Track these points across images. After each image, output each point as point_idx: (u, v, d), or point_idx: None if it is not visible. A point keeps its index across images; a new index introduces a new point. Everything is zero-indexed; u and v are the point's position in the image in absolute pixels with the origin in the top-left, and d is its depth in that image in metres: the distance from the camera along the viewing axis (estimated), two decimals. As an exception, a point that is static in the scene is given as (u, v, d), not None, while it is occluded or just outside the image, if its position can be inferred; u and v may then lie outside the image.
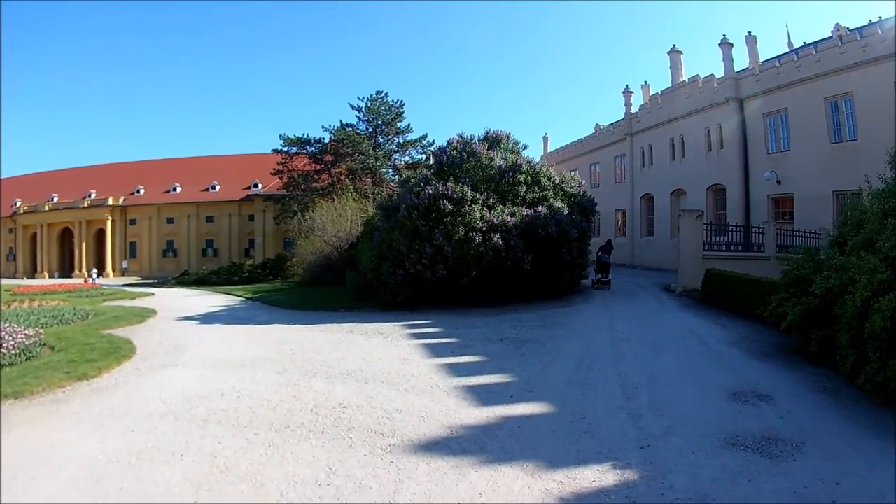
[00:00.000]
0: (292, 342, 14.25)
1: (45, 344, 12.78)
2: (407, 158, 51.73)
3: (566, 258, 20.62)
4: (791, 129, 29.02)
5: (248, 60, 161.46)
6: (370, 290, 22.17)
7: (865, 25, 28.25)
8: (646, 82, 42.25)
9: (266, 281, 42.48)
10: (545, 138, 56.74)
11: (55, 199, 75.47)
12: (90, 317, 18.97)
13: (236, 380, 10.16)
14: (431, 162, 24.85)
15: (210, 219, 71.45)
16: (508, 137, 23.85)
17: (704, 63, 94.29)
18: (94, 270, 61.63)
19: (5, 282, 47.42)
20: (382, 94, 51.57)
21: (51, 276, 68.64)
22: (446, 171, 21.28)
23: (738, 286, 16.95)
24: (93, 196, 74.09)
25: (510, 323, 16.10)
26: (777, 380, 9.61)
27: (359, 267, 24.54)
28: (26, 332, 12.80)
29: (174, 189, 73.60)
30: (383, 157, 50.64)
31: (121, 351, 12.61)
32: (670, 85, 37.68)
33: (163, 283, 50.73)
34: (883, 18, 27.28)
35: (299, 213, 42.40)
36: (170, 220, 72.65)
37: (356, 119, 51.43)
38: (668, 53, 38.16)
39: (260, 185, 67.74)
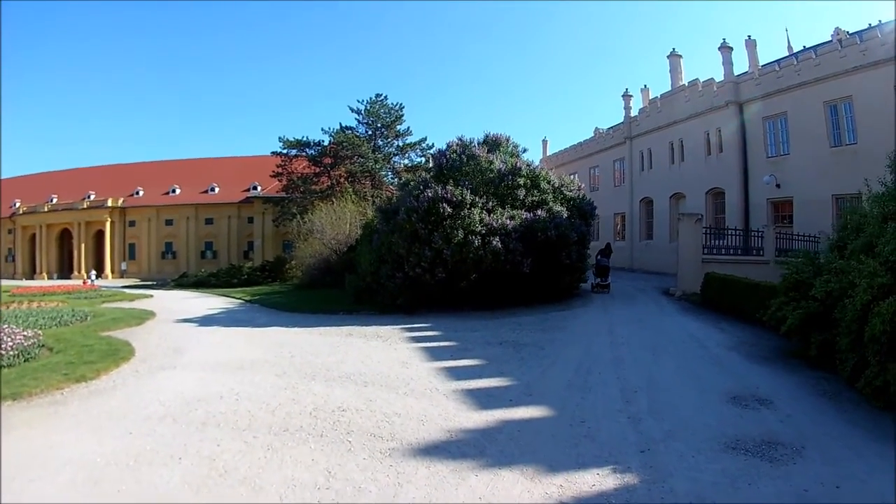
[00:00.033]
0: (291, 345, 14.23)
1: (43, 345, 12.77)
2: (406, 161, 51.81)
3: (565, 262, 20.61)
4: (791, 133, 28.98)
5: (248, 62, 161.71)
6: (369, 292, 22.15)
7: (865, 29, 28.21)
8: (645, 86, 42.30)
9: (265, 283, 42.46)
10: (544, 142, 56.81)
11: (54, 201, 75.42)
12: (89, 318, 18.96)
13: (235, 382, 10.14)
14: (431, 165, 24.86)
15: (209, 221, 71.42)
16: (508, 141, 23.82)
17: (704, 67, 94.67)
18: (93, 272, 61.56)
19: (4, 283, 47.39)
20: (382, 97, 51.68)
21: (50, 278, 68.53)
22: (446, 175, 21.28)
23: (737, 290, 16.95)
24: (92, 197, 74.03)
25: (509, 326, 16.09)
26: (777, 383, 9.61)
27: (358, 270, 24.54)
28: (25, 333, 12.79)
29: (173, 191, 73.58)
30: (383, 159, 50.68)
31: (119, 353, 12.60)
32: (670, 89, 37.63)
33: (162, 284, 50.69)
34: (883, 22, 27.27)
35: (298, 216, 42.37)
36: (169, 222, 72.60)
37: (356, 122, 51.59)
38: (668, 57, 38.15)
39: (259, 188, 67.76)
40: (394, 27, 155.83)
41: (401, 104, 52.06)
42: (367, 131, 51.47)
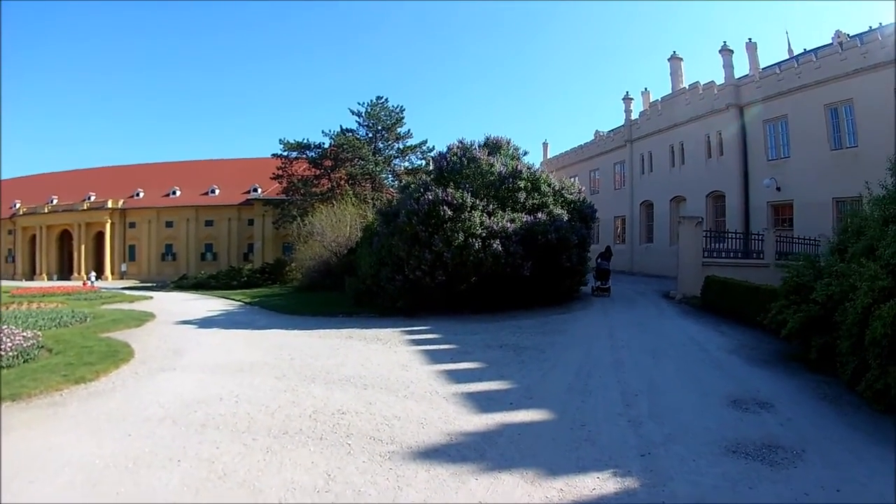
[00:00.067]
0: (291, 347, 14.20)
1: (43, 346, 12.73)
2: (407, 164, 51.95)
3: (566, 265, 20.58)
4: (791, 136, 28.99)
5: (248, 64, 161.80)
6: (369, 295, 22.14)
7: (866, 32, 28.24)
8: (646, 89, 42.18)
9: (265, 285, 42.42)
10: (545, 144, 56.76)
11: (54, 202, 75.42)
12: (88, 319, 18.95)
13: (234, 385, 10.12)
14: (431, 167, 24.83)
15: (209, 223, 71.43)
16: (509, 143, 23.80)
17: (705, 69, 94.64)
18: (93, 273, 61.59)
19: (4, 283, 47.35)
20: (382, 100, 51.80)
21: (49, 279, 68.50)
22: (446, 177, 21.27)
23: (737, 293, 16.93)
24: (92, 199, 74.03)
25: (509, 329, 16.07)
26: (777, 387, 9.59)
27: (358, 272, 24.54)
28: (24, 334, 12.78)
29: (173, 192, 73.62)
30: (383, 162, 50.76)
31: (119, 354, 12.58)
32: (670, 91, 37.66)
33: (161, 286, 50.60)
34: (883, 24, 27.31)
35: (299, 218, 42.33)
36: (169, 224, 72.63)
37: (356, 124, 51.74)
38: (669, 60, 38.15)
39: (259, 190, 67.75)
40: (394, 29, 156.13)
41: (401, 107, 52.29)
42: (367, 134, 51.58)
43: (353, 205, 37.25)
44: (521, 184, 21.10)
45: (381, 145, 51.85)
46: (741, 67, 32.67)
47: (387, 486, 5.88)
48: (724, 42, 32.46)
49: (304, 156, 51.18)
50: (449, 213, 19.24)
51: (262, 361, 12.34)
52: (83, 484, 5.85)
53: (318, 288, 32.67)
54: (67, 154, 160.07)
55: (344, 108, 76.14)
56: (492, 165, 21.25)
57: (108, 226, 72.08)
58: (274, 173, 53.58)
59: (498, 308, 19.42)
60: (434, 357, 12.58)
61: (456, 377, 10.58)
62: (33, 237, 75.64)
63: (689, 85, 35.61)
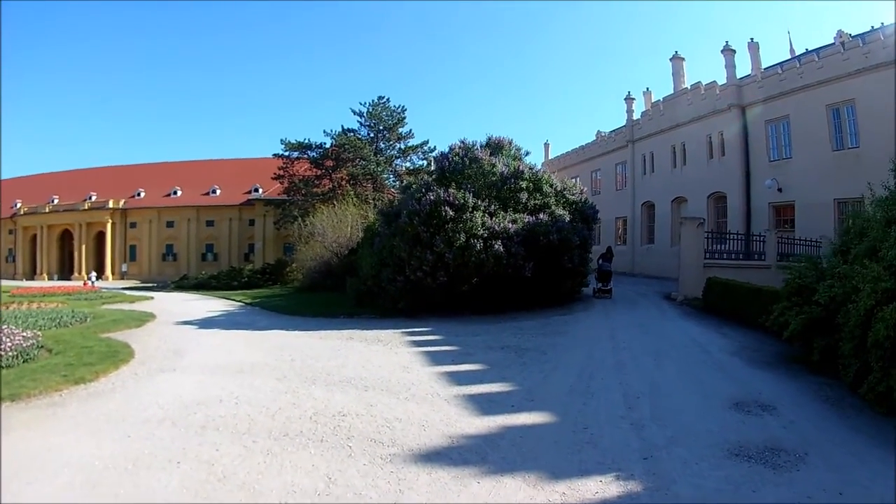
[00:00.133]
0: (291, 348, 14.17)
1: (42, 346, 12.69)
2: (408, 164, 51.98)
3: (567, 266, 20.56)
4: (793, 137, 28.96)
5: (249, 64, 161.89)
6: (370, 296, 22.10)
7: (868, 31, 28.23)
8: (648, 89, 42.23)
9: (265, 286, 42.43)
10: (546, 145, 56.71)
11: (55, 201, 75.54)
12: (89, 320, 18.93)
13: (235, 386, 10.08)
14: (433, 168, 24.81)
15: (210, 223, 71.50)
16: (510, 144, 23.74)
17: (706, 70, 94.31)
18: (94, 273, 61.62)
19: (4, 283, 47.38)
20: (384, 100, 51.83)
21: (50, 278, 68.60)
22: (448, 178, 21.24)
23: (739, 295, 16.90)
24: (93, 198, 74.14)
25: (511, 331, 16.03)
26: (779, 389, 9.56)
27: (359, 273, 24.50)
28: (24, 334, 12.73)
29: (174, 193, 73.70)
30: (384, 162, 50.77)
31: (119, 355, 12.54)
32: (672, 91, 37.67)
33: (162, 286, 50.66)
34: (885, 24, 27.26)
35: (300, 219, 42.31)
36: (170, 224, 72.70)
37: (357, 124, 51.84)
38: (671, 60, 38.16)
39: (260, 190, 67.80)
40: (396, 29, 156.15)
41: (403, 107, 52.32)
42: (368, 134, 51.62)
43: (355, 205, 37.26)
44: (523, 184, 21.07)
45: (382, 145, 51.89)
46: (743, 67, 32.68)
47: (388, 489, 5.84)
48: (727, 42, 32.51)
49: (306, 156, 51.23)
50: (450, 213, 19.20)
51: (263, 362, 12.31)
52: (82, 485, 5.81)
53: (318, 288, 32.65)
54: (68, 154, 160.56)
55: (345, 109, 75.94)
56: (493, 166, 21.22)
57: (108, 226, 72.20)
58: (275, 173, 53.65)
59: (499, 309, 19.40)
60: (435, 358, 12.54)
61: (457, 379, 10.54)
62: (34, 237, 75.78)
63: (691, 85, 35.62)
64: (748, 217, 30.93)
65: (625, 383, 10.05)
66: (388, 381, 10.42)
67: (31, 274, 73.21)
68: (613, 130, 46.07)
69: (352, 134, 50.37)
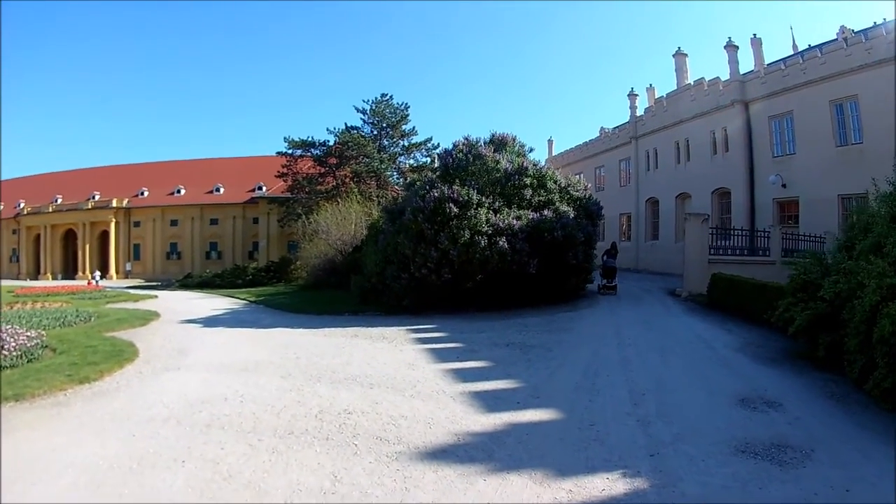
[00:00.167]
0: (296, 346, 14.16)
1: (46, 346, 12.69)
2: (412, 161, 51.96)
3: (572, 262, 20.51)
4: (796, 133, 28.85)
5: (252, 62, 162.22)
6: (374, 293, 22.08)
7: (870, 27, 28.11)
8: (651, 85, 42.08)
9: (270, 284, 42.43)
10: (550, 142, 56.47)
11: (59, 201, 75.77)
12: (93, 319, 18.93)
13: (239, 384, 10.07)
14: (437, 165, 24.77)
15: (214, 221, 71.70)
16: (514, 140, 23.66)
17: (710, 66, 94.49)
18: (97, 272, 61.83)
19: (8, 283, 47.53)
20: (387, 97, 51.85)
21: (54, 278, 68.80)
22: (452, 174, 21.22)
23: (744, 290, 16.85)
24: (97, 198, 74.37)
25: (516, 328, 16.01)
26: (785, 385, 9.53)
27: (363, 270, 24.47)
28: (28, 333, 12.71)
29: (178, 191, 73.88)
30: (388, 160, 50.80)
31: (123, 354, 12.54)
32: (675, 88, 37.57)
33: (166, 285, 50.77)
34: (887, 20, 27.16)
35: (303, 216, 42.24)
36: (173, 223, 72.93)
37: (361, 122, 51.86)
38: (674, 56, 38.08)
39: (264, 188, 67.84)
40: (399, 27, 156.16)
41: (406, 104, 52.35)
42: (372, 131, 51.64)
43: (359, 203, 37.23)
44: (527, 181, 21.01)
45: (385, 143, 51.91)
46: (746, 63, 32.56)
47: (394, 487, 5.82)
48: (730, 38, 32.46)
49: (309, 154, 51.25)
50: (455, 210, 19.15)
51: (268, 360, 12.30)
52: (87, 485, 5.80)
53: (323, 286, 32.61)
54: (71, 154, 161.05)
55: (348, 107, 76.50)
56: (497, 162, 21.16)
57: (112, 225, 72.42)
58: (279, 171, 53.65)
59: (504, 306, 19.38)
60: (440, 356, 12.51)
61: (463, 376, 10.52)
62: (38, 236, 75.97)
63: (695, 81, 35.50)
64: (752, 213, 30.85)
65: (630, 380, 10.02)
66: (394, 379, 10.40)
67: (35, 274, 73.39)
68: (617, 127, 45.92)
69: (355, 131, 50.39)
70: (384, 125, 51.49)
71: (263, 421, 7.95)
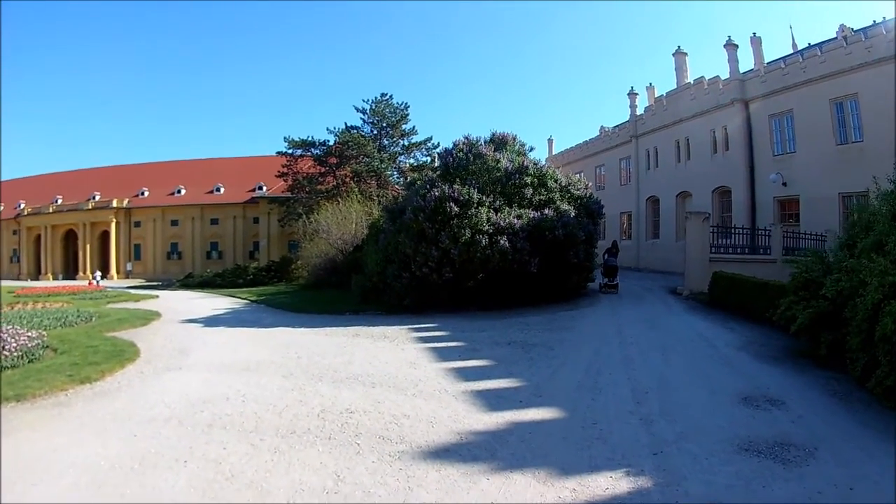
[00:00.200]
0: (297, 346, 14.14)
1: (47, 346, 12.69)
2: (412, 161, 51.92)
3: (573, 261, 20.51)
4: (796, 131, 28.85)
5: (252, 63, 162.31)
6: (375, 293, 22.06)
7: (870, 26, 28.08)
8: (651, 84, 42.10)
9: (270, 284, 42.37)
10: (550, 140, 56.47)
11: (59, 201, 75.77)
12: (94, 319, 18.91)
13: (241, 384, 10.05)
14: (437, 164, 24.77)
15: (214, 221, 71.70)
16: (514, 139, 23.64)
17: (709, 64, 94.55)
18: (98, 272, 61.82)
19: (9, 283, 47.52)
20: (387, 97, 51.82)
21: (55, 278, 68.79)
22: (452, 173, 21.20)
23: (745, 289, 16.85)
24: (97, 198, 74.38)
25: (517, 326, 15.98)
26: (787, 384, 9.52)
27: (364, 270, 24.44)
28: (29, 333, 12.70)
29: (178, 191, 73.88)
30: (388, 159, 50.77)
31: (124, 354, 12.53)
32: (675, 87, 37.57)
33: (167, 285, 50.73)
34: (886, 19, 27.16)
35: (304, 216, 42.21)
36: (174, 223, 72.94)
37: (361, 121, 51.83)
38: (674, 55, 38.08)
39: (264, 188, 67.81)
40: (399, 27, 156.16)
41: (406, 103, 52.31)
42: (372, 131, 51.61)
43: (359, 202, 37.20)
44: (528, 180, 20.98)
45: (386, 142, 51.89)
46: (746, 62, 32.57)
47: (397, 486, 5.81)
48: (729, 37, 32.49)
49: (309, 153, 51.22)
50: (455, 209, 19.14)
51: (269, 360, 12.28)
52: (88, 485, 5.79)
53: (324, 286, 32.57)
54: (72, 154, 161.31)
55: (348, 107, 76.40)
56: (498, 161, 21.14)
57: (113, 225, 72.41)
58: (279, 171, 53.61)
59: (505, 305, 19.36)
60: (442, 354, 12.50)
61: (465, 375, 10.50)
62: (38, 237, 75.97)
63: (695, 80, 35.49)
64: (753, 211, 30.84)
65: (633, 378, 10.01)
66: (396, 378, 10.39)
67: (36, 274, 73.38)
68: (617, 126, 45.93)
69: (355, 131, 50.37)
70: (384, 125, 51.46)
71: (265, 420, 7.94)
